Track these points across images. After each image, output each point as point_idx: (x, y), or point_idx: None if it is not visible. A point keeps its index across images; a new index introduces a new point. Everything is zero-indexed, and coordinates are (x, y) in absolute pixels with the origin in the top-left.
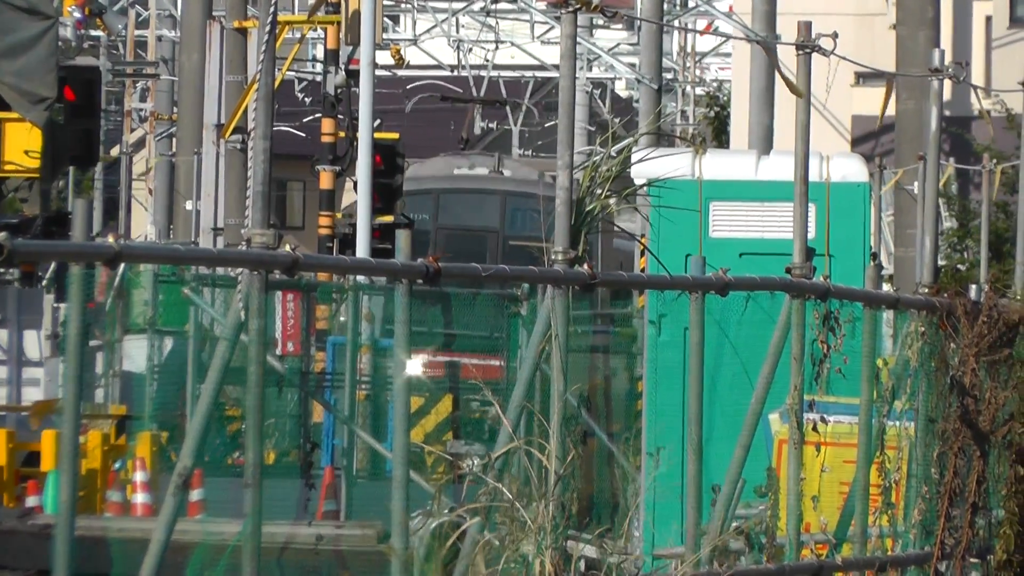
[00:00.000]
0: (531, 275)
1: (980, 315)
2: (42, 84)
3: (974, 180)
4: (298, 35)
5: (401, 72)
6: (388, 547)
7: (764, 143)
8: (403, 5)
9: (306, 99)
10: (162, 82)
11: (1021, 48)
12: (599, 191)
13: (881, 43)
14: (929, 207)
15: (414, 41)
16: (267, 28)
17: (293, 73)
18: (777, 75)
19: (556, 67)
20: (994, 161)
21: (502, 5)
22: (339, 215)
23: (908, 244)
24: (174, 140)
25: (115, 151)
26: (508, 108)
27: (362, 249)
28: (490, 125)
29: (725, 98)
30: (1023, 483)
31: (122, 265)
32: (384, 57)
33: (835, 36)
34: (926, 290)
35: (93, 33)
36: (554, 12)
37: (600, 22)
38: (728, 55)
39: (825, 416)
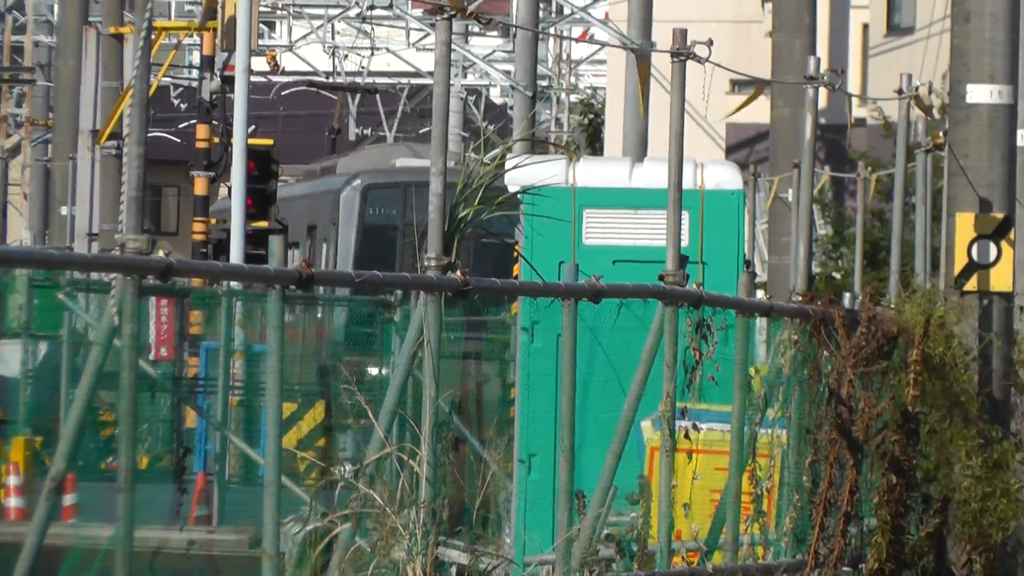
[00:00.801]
0: (404, 281)
1: (859, 326)
2: None
3: (849, 188)
4: (175, 41)
5: (276, 78)
6: (260, 552)
7: (638, 150)
8: (279, 11)
9: (182, 105)
10: (38, 88)
11: (898, 56)
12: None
13: (758, 50)
14: (803, 215)
15: (290, 47)
16: (142, 34)
17: (169, 79)
18: (652, 82)
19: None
20: (869, 169)
21: (378, 12)
22: (214, 220)
23: (782, 252)
24: (50, 146)
25: None
26: (383, 115)
27: (236, 254)
28: (365, 132)
29: (600, 105)
30: (895, 492)
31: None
32: (260, 63)
33: (710, 43)
34: (800, 298)
35: None
36: (429, 19)
37: (475, 29)
38: (603, 62)
39: (697, 423)
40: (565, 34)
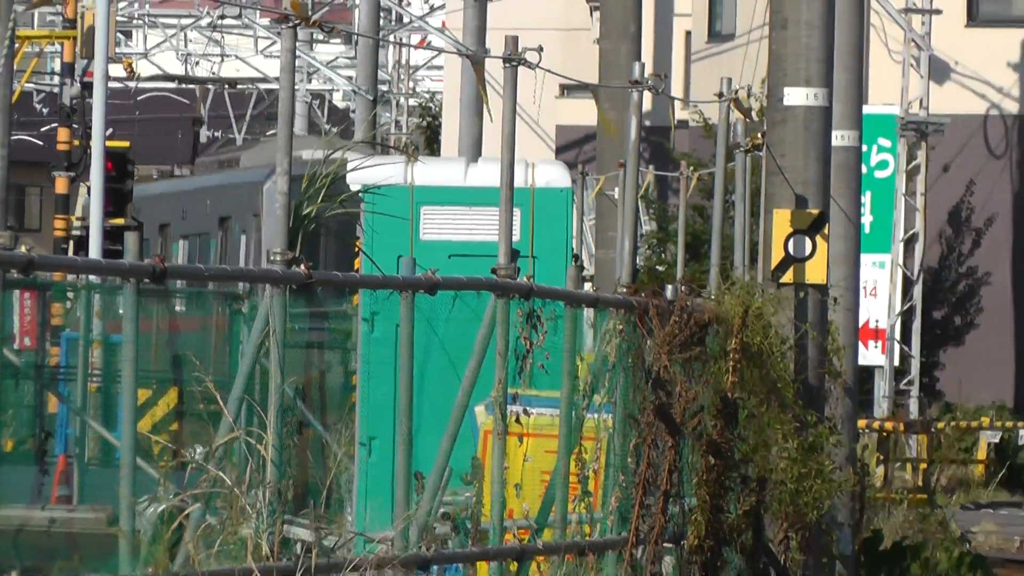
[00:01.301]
0: (250, 274)
1: (672, 314)
2: None
3: (672, 186)
4: (37, 49)
5: (132, 83)
6: (117, 530)
7: (474, 151)
8: (135, 21)
9: (44, 109)
10: None
11: (718, 61)
12: (317, 195)
13: (586, 56)
14: (628, 211)
15: (145, 55)
16: (5, 43)
17: (32, 85)
18: (487, 87)
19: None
20: (691, 168)
21: (227, 21)
22: (74, 218)
23: (609, 246)
24: None
25: None
26: (233, 118)
27: (94, 250)
28: (216, 134)
29: (437, 109)
30: (713, 472)
31: None
32: (117, 70)
33: (540, 50)
34: (624, 290)
35: None
36: (275, 27)
37: (319, 36)
38: (440, 68)
39: (528, 408)
40: (404, 41)
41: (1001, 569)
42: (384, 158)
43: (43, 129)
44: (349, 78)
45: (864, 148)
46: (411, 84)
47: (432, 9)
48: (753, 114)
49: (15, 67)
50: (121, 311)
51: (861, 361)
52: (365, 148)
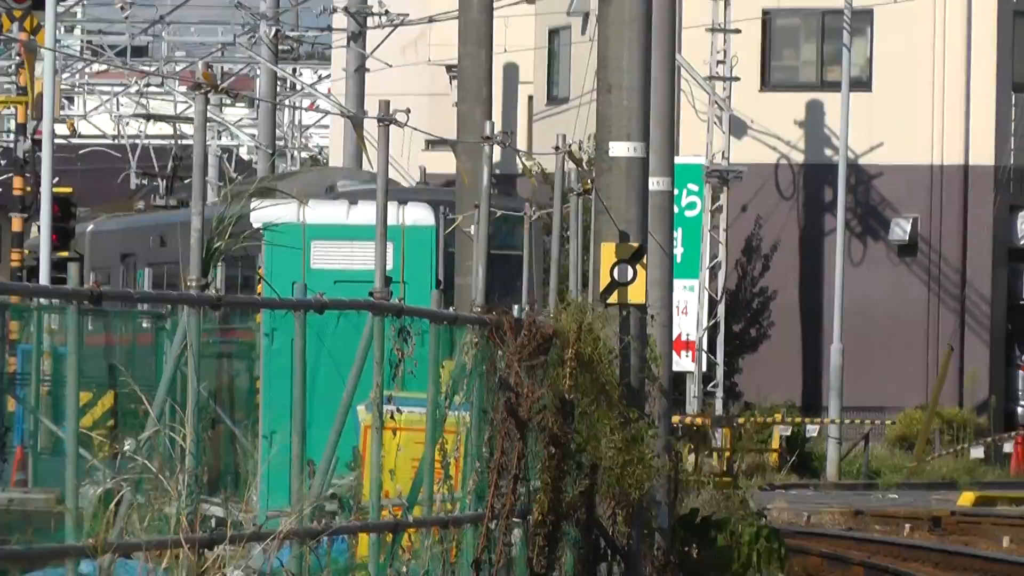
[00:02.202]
0: (172, 297)
1: (522, 329)
2: None
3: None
4: None
5: (74, 140)
6: (64, 508)
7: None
8: (76, 88)
9: (1, 161)
10: None
11: (555, 121)
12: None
13: (447, 117)
14: (481, 244)
15: (84, 116)
16: None
17: None
18: (366, 142)
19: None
20: (533, 209)
21: (152, 89)
22: (27, 251)
23: (466, 273)
24: None
25: None
26: (156, 167)
27: (44, 277)
28: (143, 181)
29: (325, 160)
30: (553, 460)
31: None
32: (61, 129)
33: (408, 112)
34: (479, 310)
35: None
36: (191, 94)
37: (227, 101)
38: (327, 127)
39: (400, 408)
40: (297, 105)
41: (791, 539)
42: (281, 201)
43: (0, 178)
44: (252, 135)
45: (676, 192)
46: (303, 140)
47: (320, 79)
48: (584, 164)
49: None
50: (66, 327)
51: (675, 368)
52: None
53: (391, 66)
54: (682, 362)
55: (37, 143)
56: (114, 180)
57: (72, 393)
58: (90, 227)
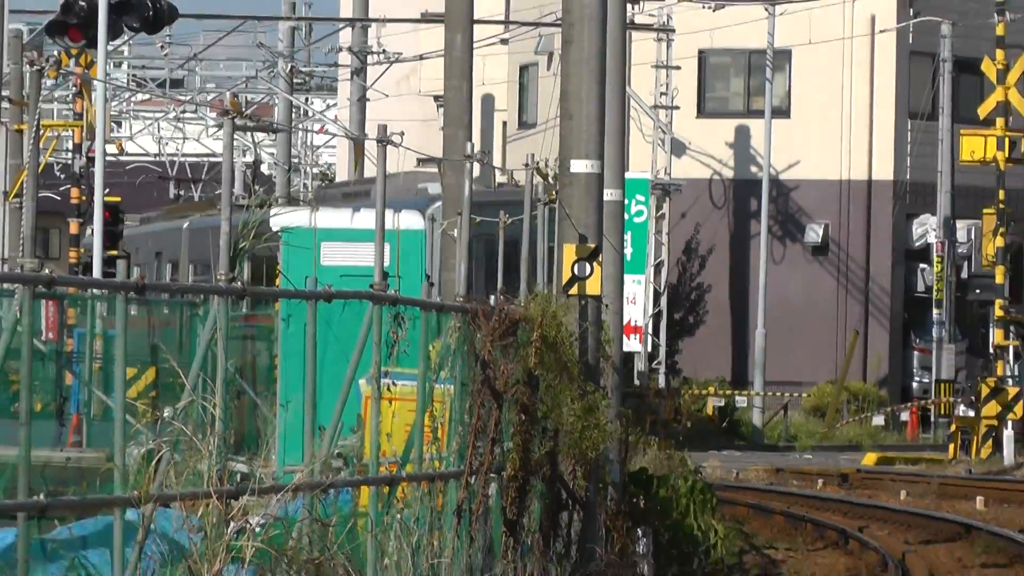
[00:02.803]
0: (205, 288)
1: (499, 314)
2: None
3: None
4: (56, 134)
5: (122, 157)
6: (113, 464)
7: (358, 204)
8: (123, 114)
9: (61, 175)
10: None
11: (525, 142)
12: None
13: (435, 139)
14: (463, 246)
15: (130, 137)
16: (33, 131)
17: (53, 159)
18: (366, 160)
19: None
20: (508, 216)
21: (187, 115)
22: (82, 250)
23: (451, 270)
24: None
25: None
26: (191, 182)
27: (97, 272)
28: (179, 192)
29: (332, 175)
30: (523, 425)
31: None
32: (111, 148)
33: (402, 134)
34: (461, 299)
35: None
36: (220, 119)
37: (251, 124)
38: (335, 147)
39: (395, 381)
40: (309, 129)
41: (721, 492)
42: (296, 208)
43: (60, 189)
44: (272, 153)
45: (626, 202)
46: (315, 158)
47: (328, 107)
48: (549, 178)
49: (41, 145)
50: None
51: (625, 348)
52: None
53: (388, 96)
54: (631, 344)
55: (90, 160)
56: (155, 191)
57: (120, 369)
58: (186, 224)
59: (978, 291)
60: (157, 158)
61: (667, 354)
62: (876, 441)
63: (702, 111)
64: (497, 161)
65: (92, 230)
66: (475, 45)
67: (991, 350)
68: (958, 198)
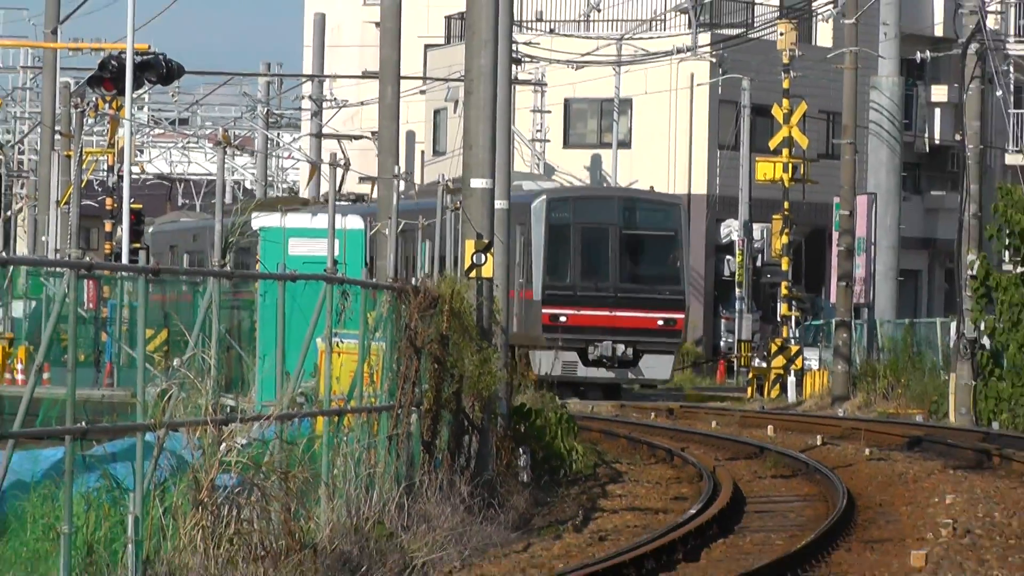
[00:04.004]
0: (203, 271)
1: (420, 293)
2: None
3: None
4: (95, 159)
5: (143, 175)
6: (136, 400)
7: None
8: (144, 144)
9: (99, 188)
10: (30, 181)
11: (439, 166)
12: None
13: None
14: (392, 241)
15: (149, 161)
16: (78, 156)
17: (92, 176)
18: (322, 178)
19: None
20: (427, 222)
21: (191, 145)
22: (113, 244)
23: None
24: (36, 207)
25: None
26: (194, 194)
27: (125, 259)
28: (185, 202)
29: (296, 191)
30: (437, 372)
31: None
32: (135, 169)
33: (347, 161)
34: (391, 280)
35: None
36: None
37: (238, 153)
38: (299, 169)
39: (342, 339)
40: (280, 155)
41: (581, 422)
42: (270, 212)
43: (98, 199)
44: (253, 173)
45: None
46: (283, 177)
47: (294, 139)
48: (455, 192)
49: (83, 166)
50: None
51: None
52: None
53: (337, 131)
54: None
55: (120, 177)
56: (166, 200)
57: (141, 330)
58: (192, 224)
59: (768, 275)
60: (169, 176)
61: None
62: (694, 385)
63: (567, 143)
64: (417, 180)
65: (121, 228)
66: (401, 94)
67: (778, 318)
68: (754, 207)
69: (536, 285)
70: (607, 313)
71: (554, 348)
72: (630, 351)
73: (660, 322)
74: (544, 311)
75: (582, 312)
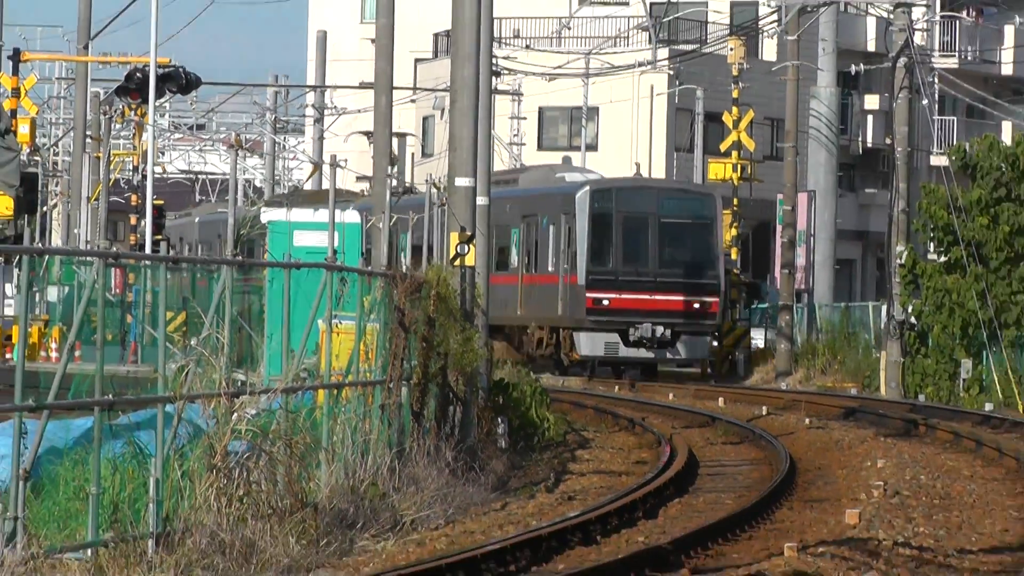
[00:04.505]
0: (218, 260)
1: (407, 279)
2: (11, 178)
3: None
4: (122, 160)
5: (164, 175)
6: (158, 375)
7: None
8: (165, 146)
9: (125, 186)
10: (63, 180)
11: (428, 166)
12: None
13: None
14: (384, 234)
15: (170, 162)
16: (106, 159)
17: (119, 176)
18: (323, 177)
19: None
20: (415, 216)
21: (207, 147)
22: (138, 235)
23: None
24: (69, 203)
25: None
26: (210, 190)
27: (148, 250)
28: (202, 198)
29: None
30: (424, 350)
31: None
32: (157, 169)
33: (345, 161)
34: (384, 267)
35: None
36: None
37: (249, 155)
38: (302, 169)
39: (341, 321)
40: (287, 157)
41: (553, 395)
42: (277, 209)
43: (124, 195)
44: (262, 173)
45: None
46: (289, 176)
47: (298, 143)
48: (442, 189)
49: (111, 167)
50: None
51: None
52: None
53: (337, 135)
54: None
55: (144, 177)
56: (187, 197)
57: (162, 312)
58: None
59: None
60: (187, 175)
61: None
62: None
63: (540, 146)
64: (407, 180)
65: (145, 222)
66: (394, 103)
67: (729, 302)
68: None
69: (580, 271)
70: (647, 297)
71: (598, 329)
72: (668, 332)
73: (696, 305)
74: (588, 295)
75: (623, 296)
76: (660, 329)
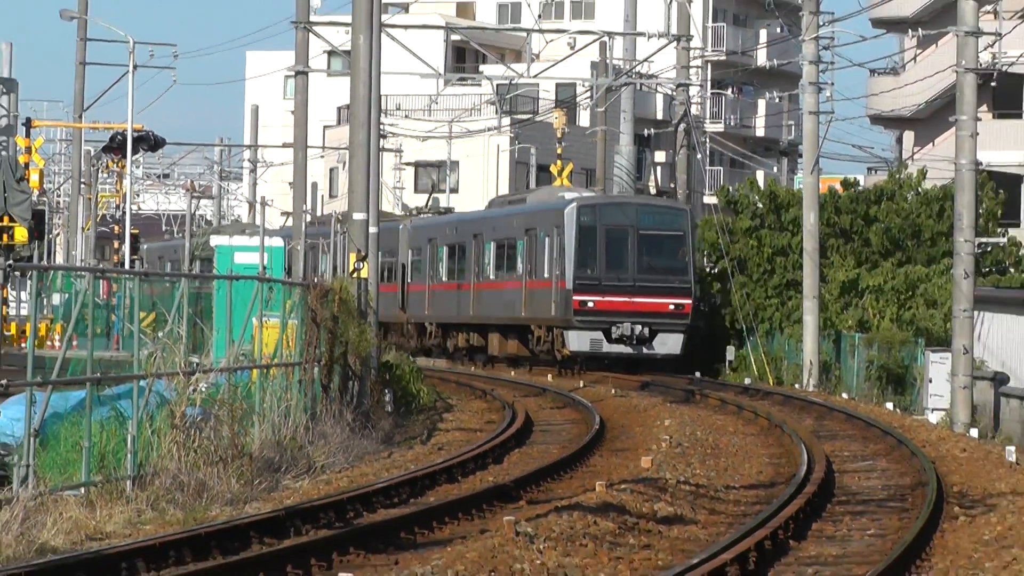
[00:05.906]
0: (178, 274)
1: (318, 287)
2: (25, 213)
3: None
4: (107, 201)
5: (139, 212)
6: (134, 359)
7: (254, 231)
8: (140, 190)
9: (110, 219)
10: (63, 214)
11: (334, 204)
12: (196, 246)
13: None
14: (299, 255)
15: (144, 202)
16: (94, 201)
17: (105, 212)
18: (256, 214)
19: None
20: (324, 240)
21: (170, 191)
22: (119, 256)
23: (297, 265)
24: (67, 229)
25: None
26: (173, 225)
27: (127, 266)
28: (168, 229)
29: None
30: (330, 340)
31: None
32: (134, 207)
33: (272, 200)
34: (301, 279)
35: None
36: (187, 194)
37: (202, 197)
38: (243, 207)
39: (269, 318)
40: (228, 201)
41: (427, 373)
42: (223, 234)
43: (109, 226)
44: (211, 210)
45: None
46: (232, 211)
47: (238, 187)
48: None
49: (99, 205)
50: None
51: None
52: (219, 231)
53: (267, 181)
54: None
55: (124, 213)
56: (157, 229)
57: (135, 312)
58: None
59: None
60: (157, 212)
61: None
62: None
63: (416, 190)
64: (319, 214)
65: (125, 246)
66: (308, 157)
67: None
68: None
69: (568, 276)
70: (627, 299)
71: (584, 328)
72: (646, 331)
73: (671, 307)
74: (575, 297)
75: (606, 298)
76: (639, 328)
